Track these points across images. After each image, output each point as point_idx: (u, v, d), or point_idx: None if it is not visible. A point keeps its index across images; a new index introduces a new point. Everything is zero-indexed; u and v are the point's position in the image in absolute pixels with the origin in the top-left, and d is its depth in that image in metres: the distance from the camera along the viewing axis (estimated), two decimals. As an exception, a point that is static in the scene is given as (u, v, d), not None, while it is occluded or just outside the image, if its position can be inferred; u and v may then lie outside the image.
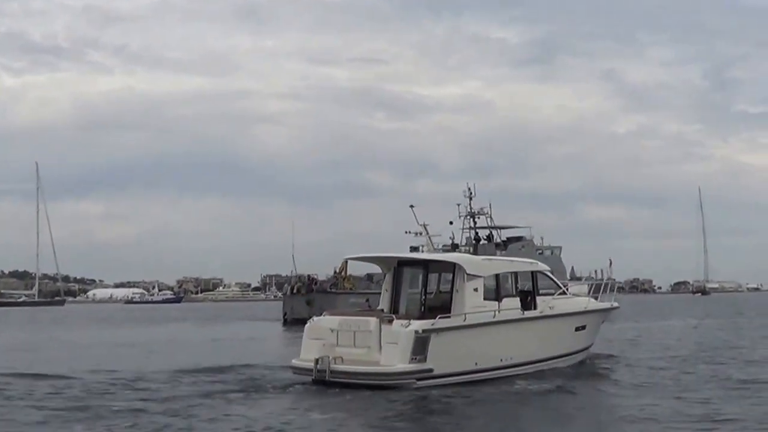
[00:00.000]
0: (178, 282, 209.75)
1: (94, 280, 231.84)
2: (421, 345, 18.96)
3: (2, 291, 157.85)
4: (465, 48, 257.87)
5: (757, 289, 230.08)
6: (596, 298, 25.31)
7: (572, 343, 23.62)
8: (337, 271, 62.05)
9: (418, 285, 21.78)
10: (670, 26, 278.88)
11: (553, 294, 23.51)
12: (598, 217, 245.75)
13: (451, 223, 58.31)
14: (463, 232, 62.42)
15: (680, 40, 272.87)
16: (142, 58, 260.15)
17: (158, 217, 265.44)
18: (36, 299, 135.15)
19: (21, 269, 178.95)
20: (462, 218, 61.95)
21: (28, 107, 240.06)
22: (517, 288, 22.42)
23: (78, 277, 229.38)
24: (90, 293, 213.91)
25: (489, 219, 63.21)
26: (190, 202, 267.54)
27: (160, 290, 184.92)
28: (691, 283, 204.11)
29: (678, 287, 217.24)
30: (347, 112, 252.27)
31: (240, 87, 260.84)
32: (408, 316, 20.01)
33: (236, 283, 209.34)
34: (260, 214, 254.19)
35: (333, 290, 60.39)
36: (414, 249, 29.70)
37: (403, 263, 22.01)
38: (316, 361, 19.18)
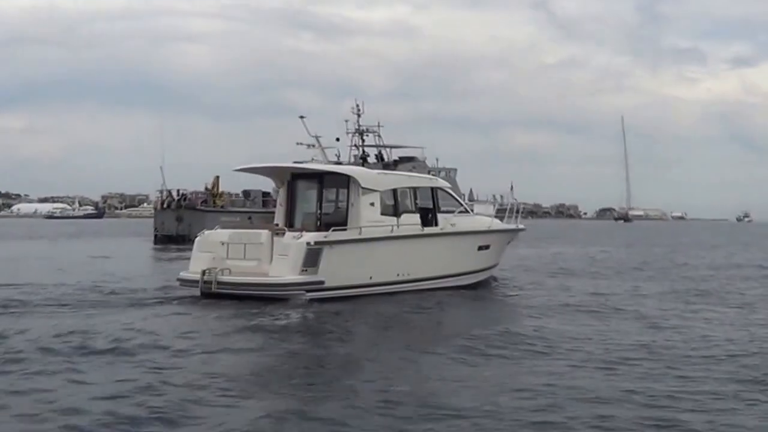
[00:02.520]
0: (102, 198, 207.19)
1: (19, 195, 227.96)
2: (312, 257, 18.49)
3: None
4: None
5: (681, 217, 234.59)
6: (501, 220, 24.71)
7: (474, 262, 23.13)
8: (209, 187, 60.32)
9: (314, 201, 21.12)
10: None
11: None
12: (525, 144, 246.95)
13: (337, 140, 56.44)
14: (350, 149, 60.36)
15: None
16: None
17: (82, 132, 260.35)
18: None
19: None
20: (350, 135, 59.78)
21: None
22: (416, 204, 21.78)
23: (3, 192, 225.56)
24: (14, 208, 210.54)
25: (378, 137, 61.20)
26: (113, 118, 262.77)
27: (82, 205, 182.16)
28: (616, 209, 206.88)
29: (603, 213, 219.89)
30: (274, 33, 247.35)
31: (165, 5, 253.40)
32: (303, 231, 19.43)
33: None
34: (183, 131, 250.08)
35: (203, 207, 58.71)
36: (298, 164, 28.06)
37: (297, 176, 21.27)
38: (203, 273, 18.74)
